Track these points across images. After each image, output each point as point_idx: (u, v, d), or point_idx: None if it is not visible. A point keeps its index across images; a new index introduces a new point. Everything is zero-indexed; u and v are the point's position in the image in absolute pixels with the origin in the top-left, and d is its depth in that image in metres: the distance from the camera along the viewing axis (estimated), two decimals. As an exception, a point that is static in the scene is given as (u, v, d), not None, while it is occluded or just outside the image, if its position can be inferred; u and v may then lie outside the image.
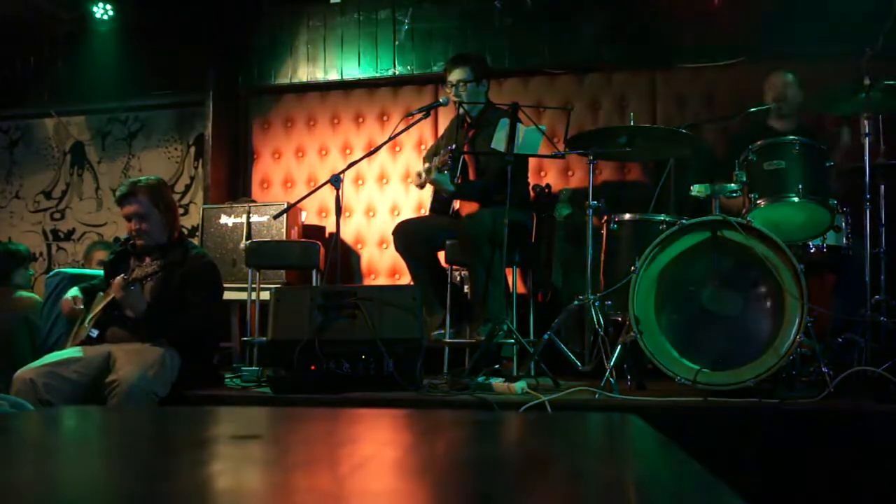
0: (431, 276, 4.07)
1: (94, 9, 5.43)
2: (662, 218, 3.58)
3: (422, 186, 4.26)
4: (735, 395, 2.86)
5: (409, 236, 4.06)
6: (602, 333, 3.25)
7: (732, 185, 3.29)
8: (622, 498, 0.77)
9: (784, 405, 2.67)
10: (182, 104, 5.75)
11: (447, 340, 3.88)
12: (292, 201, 4.47)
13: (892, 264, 3.43)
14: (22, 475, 0.89)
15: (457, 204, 4.18)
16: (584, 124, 4.86)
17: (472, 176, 4.17)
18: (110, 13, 5.47)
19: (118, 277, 3.22)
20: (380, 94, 5.40)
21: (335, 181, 3.67)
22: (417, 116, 4.00)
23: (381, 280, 5.22)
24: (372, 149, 4.20)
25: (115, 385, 2.99)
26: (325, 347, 3.15)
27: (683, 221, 3.15)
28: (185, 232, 4.21)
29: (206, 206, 5.05)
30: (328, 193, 4.60)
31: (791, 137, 3.39)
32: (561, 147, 4.00)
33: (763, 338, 3.00)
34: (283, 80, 5.46)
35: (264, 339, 3.63)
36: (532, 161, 4.42)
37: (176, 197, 5.33)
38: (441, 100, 4.13)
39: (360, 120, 5.42)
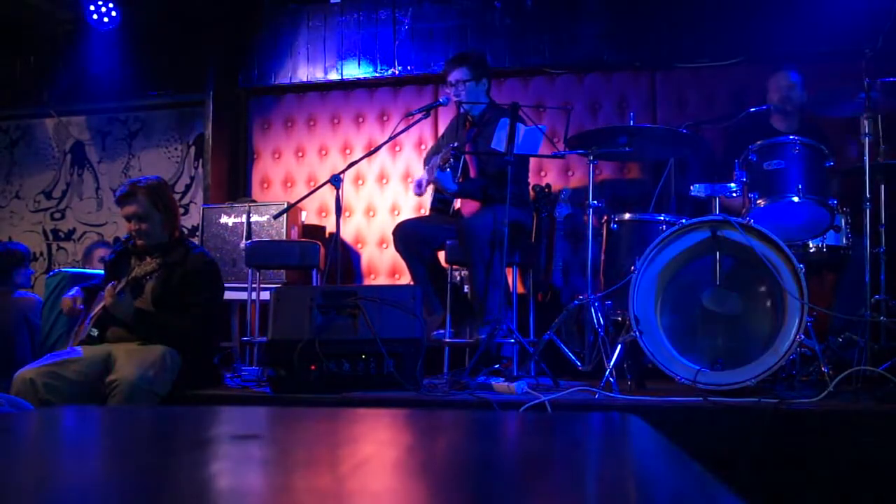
0: (431, 276, 4.07)
1: (94, 9, 5.43)
2: (662, 218, 3.58)
3: (421, 195, 4.27)
4: (735, 395, 2.86)
5: (409, 236, 4.06)
6: (602, 333, 3.25)
7: (732, 185, 3.29)
8: (622, 498, 0.77)
9: (784, 405, 2.67)
10: (182, 104, 5.75)
11: (447, 340, 3.88)
12: (292, 201, 4.47)
13: (892, 264, 3.43)
14: (22, 475, 0.89)
15: (457, 203, 4.18)
16: (584, 124, 4.86)
17: (472, 174, 4.17)
18: (110, 13, 5.47)
19: (109, 285, 3.22)
20: (380, 94, 5.40)
21: (335, 181, 3.67)
22: (417, 116, 4.00)
23: (381, 280, 5.22)
24: (372, 149, 4.20)
25: (116, 385, 2.99)
26: (325, 347, 3.15)
27: (683, 221, 3.15)
28: (185, 232, 4.20)
29: (206, 206, 5.05)
30: (328, 193, 4.60)
31: (791, 137, 3.40)
32: (561, 147, 4.00)
33: (763, 338, 3.00)
34: (283, 80, 5.46)
35: (264, 339, 3.63)
36: (532, 161, 4.42)
37: (176, 197, 5.32)
38: (441, 100, 4.14)
39: (360, 120, 5.42)
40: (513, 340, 3.58)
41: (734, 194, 3.32)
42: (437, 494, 0.80)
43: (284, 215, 4.60)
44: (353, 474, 0.87)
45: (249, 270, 4.26)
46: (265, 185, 5.55)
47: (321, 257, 4.27)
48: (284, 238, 4.72)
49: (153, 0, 5.52)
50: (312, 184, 5.23)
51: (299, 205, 4.58)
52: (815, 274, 3.68)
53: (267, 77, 5.50)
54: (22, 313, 4.46)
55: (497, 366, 3.58)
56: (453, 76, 4.13)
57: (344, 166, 3.90)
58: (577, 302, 3.44)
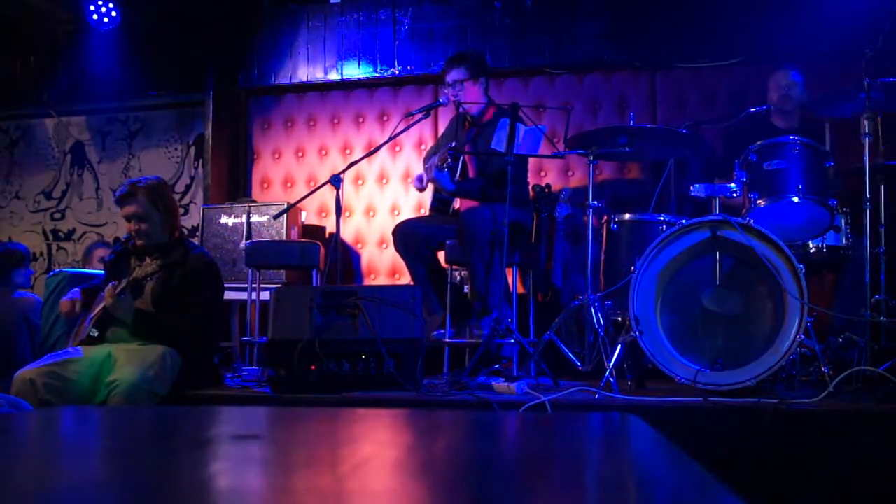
0: (431, 275, 4.07)
1: (94, 9, 5.43)
2: (662, 218, 3.59)
3: (422, 189, 4.27)
4: (735, 395, 2.86)
5: (408, 236, 4.06)
6: (602, 333, 3.25)
7: (732, 185, 3.29)
8: (622, 498, 0.77)
9: (784, 405, 2.67)
10: (182, 104, 5.75)
11: (447, 340, 3.88)
12: (292, 201, 4.47)
13: (892, 264, 3.43)
14: (22, 475, 0.89)
15: (457, 203, 4.18)
16: (584, 124, 4.86)
17: (471, 173, 4.17)
18: (110, 13, 5.47)
19: (109, 286, 3.22)
20: (380, 94, 5.40)
21: (335, 181, 3.67)
22: (417, 116, 4.00)
23: (381, 280, 5.22)
24: (372, 149, 4.20)
25: (116, 385, 2.99)
26: (325, 347, 3.15)
27: (683, 221, 3.15)
28: (185, 232, 4.20)
29: (206, 206, 5.05)
30: (328, 193, 4.60)
31: (791, 137, 3.40)
32: (561, 147, 4.00)
33: (763, 338, 3.00)
34: (283, 80, 5.46)
35: (264, 339, 3.63)
36: (532, 161, 4.42)
37: (176, 197, 5.33)
38: (441, 100, 4.14)
39: (360, 120, 5.42)
40: (513, 340, 3.58)
41: (734, 194, 3.32)
42: (437, 494, 0.80)
43: (284, 215, 4.60)
44: (353, 474, 0.87)
45: (249, 270, 4.26)
46: (265, 185, 5.55)
47: (321, 257, 4.27)
48: (284, 238, 4.71)
49: (153, 0, 5.52)
50: (312, 184, 5.23)
51: (299, 205, 4.58)
52: (815, 274, 3.68)
53: (267, 77, 5.50)
54: (22, 313, 4.46)
55: (497, 366, 3.58)
56: (451, 76, 4.13)
57: (344, 166, 3.90)
58: (577, 302, 3.44)
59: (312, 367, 3.14)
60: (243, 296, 4.38)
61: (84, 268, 5.12)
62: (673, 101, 4.90)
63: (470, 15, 5.13)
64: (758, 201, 3.33)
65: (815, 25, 4.41)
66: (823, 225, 3.37)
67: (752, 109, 3.90)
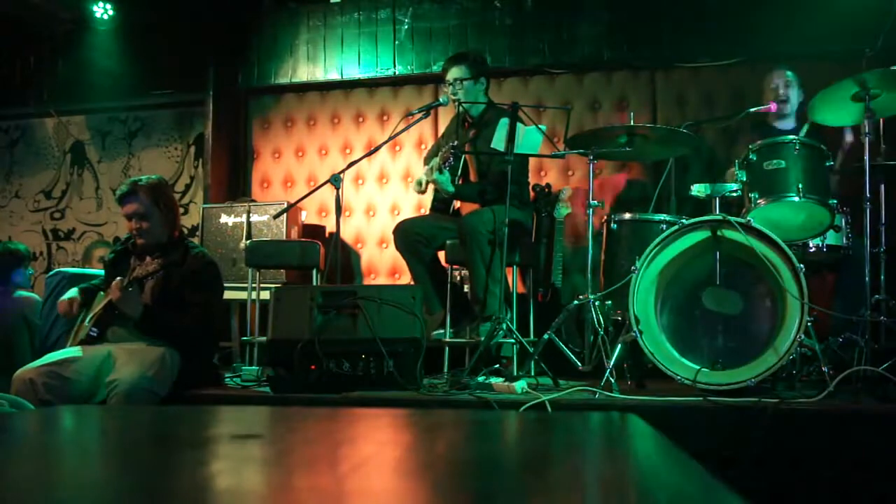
0: (431, 275, 4.07)
1: (94, 8, 5.44)
2: (662, 218, 3.59)
3: (423, 192, 4.28)
4: (735, 394, 2.86)
5: (409, 235, 4.06)
6: (602, 333, 3.25)
7: (732, 184, 3.29)
8: (622, 498, 0.77)
9: (784, 405, 2.67)
10: (182, 104, 5.75)
11: (447, 340, 3.88)
12: (292, 201, 4.47)
13: (892, 264, 3.43)
14: (22, 475, 0.89)
15: (458, 203, 4.18)
16: (584, 124, 4.86)
17: (472, 175, 4.18)
18: (110, 13, 5.47)
19: (117, 279, 3.22)
20: (380, 93, 5.40)
21: (335, 181, 3.67)
22: (417, 116, 4.00)
23: (381, 280, 5.22)
24: (372, 148, 4.20)
25: (115, 385, 2.99)
26: (325, 347, 3.14)
27: (683, 221, 3.15)
28: (185, 231, 4.20)
29: (206, 206, 5.05)
30: (328, 193, 4.60)
31: (791, 137, 3.39)
32: (561, 147, 4.00)
33: (763, 337, 3.00)
34: (283, 79, 5.46)
35: (264, 338, 3.63)
36: (532, 161, 4.42)
37: (176, 197, 5.33)
38: (441, 99, 4.14)
39: (360, 120, 5.42)
40: (513, 340, 3.58)
41: (734, 194, 3.32)
42: (437, 494, 0.80)
43: (284, 215, 4.60)
44: (353, 474, 0.87)
45: (249, 270, 4.26)
46: (265, 185, 5.55)
47: (321, 257, 4.27)
48: (284, 238, 4.71)
49: (153, 0, 5.52)
50: (312, 183, 5.23)
51: (299, 205, 4.58)
52: (815, 274, 3.68)
53: (267, 77, 5.50)
54: (22, 313, 4.45)
55: (497, 366, 3.58)
56: (451, 74, 4.13)
57: (344, 166, 3.90)
58: (577, 302, 3.44)
59: (312, 367, 3.14)
60: (243, 296, 4.38)
61: (84, 267, 5.12)
62: (673, 101, 4.90)
63: (470, 15, 5.13)
64: (758, 201, 3.33)
65: (815, 25, 4.41)
66: (823, 225, 3.36)
67: (752, 109, 3.91)
